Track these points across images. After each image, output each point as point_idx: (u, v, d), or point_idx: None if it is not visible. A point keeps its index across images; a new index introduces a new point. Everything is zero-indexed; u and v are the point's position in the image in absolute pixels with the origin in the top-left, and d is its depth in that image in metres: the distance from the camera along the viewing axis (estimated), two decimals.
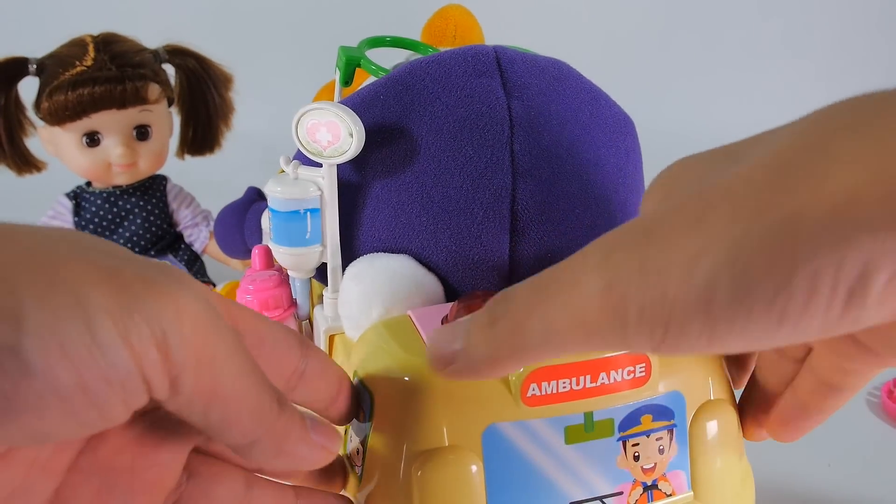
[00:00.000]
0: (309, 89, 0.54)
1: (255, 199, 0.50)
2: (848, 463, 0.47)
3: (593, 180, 0.32)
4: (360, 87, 0.36)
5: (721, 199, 0.18)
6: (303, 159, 0.34)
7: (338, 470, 0.29)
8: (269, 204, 0.33)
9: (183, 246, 0.67)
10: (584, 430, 0.27)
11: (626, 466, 0.28)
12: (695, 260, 0.18)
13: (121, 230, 0.64)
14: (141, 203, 0.64)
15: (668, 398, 0.28)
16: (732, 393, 0.30)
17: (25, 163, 0.62)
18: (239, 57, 0.66)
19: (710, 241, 0.18)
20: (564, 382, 0.26)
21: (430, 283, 0.32)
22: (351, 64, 0.39)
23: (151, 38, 0.63)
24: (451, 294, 0.33)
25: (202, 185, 0.69)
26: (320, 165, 0.33)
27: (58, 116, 0.58)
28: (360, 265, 0.33)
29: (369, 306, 0.31)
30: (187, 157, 0.67)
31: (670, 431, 0.28)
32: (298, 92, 0.65)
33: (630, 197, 0.34)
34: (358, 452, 0.29)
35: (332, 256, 0.34)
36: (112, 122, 0.59)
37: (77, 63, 0.57)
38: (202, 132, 0.66)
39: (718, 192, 0.19)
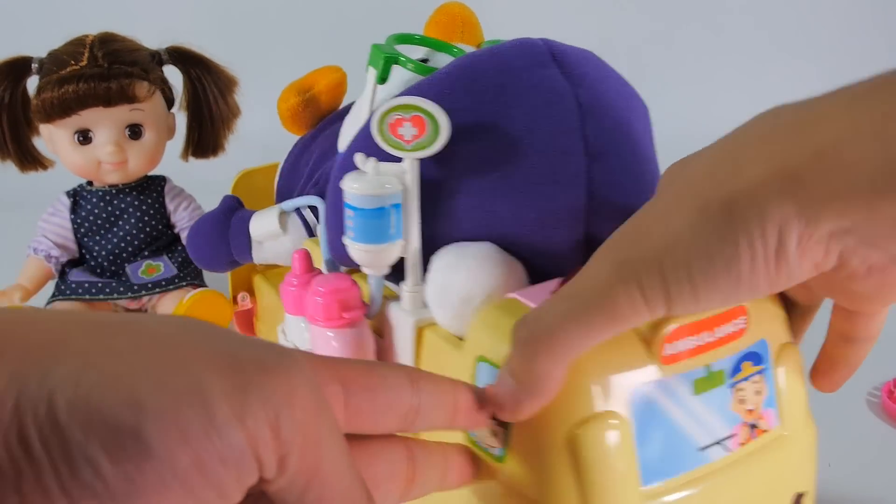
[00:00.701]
0: None
1: (235, 207, 0.49)
2: (848, 463, 0.46)
3: (643, 161, 0.35)
4: (416, 82, 0.37)
5: (683, 192, 0.26)
6: (369, 152, 0.35)
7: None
8: (348, 202, 0.34)
9: (179, 248, 0.67)
10: (706, 381, 0.31)
11: (736, 410, 0.32)
12: (672, 247, 0.25)
13: (115, 229, 0.64)
14: (136, 203, 0.65)
15: (758, 345, 0.32)
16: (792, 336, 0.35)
17: (30, 160, 0.62)
18: (239, 57, 0.67)
19: (679, 230, 0.25)
20: (692, 339, 0.30)
21: (518, 267, 0.34)
22: (390, 62, 0.39)
23: (157, 38, 0.64)
24: (533, 278, 0.35)
25: (203, 186, 0.69)
26: (396, 160, 0.34)
27: (46, 113, 0.59)
28: (450, 255, 0.34)
29: (470, 294, 0.33)
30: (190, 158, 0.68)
31: (762, 375, 0.33)
32: None
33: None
34: (495, 434, 0.31)
35: (414, 251, 0.35)
36: (103, 120, 0.60)
37: (72, 62, 0.58)
38: (205, 135, 0.66)
39: (682, 188, 0.26)
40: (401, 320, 0.36)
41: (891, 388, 0.54)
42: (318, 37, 1.14)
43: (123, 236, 0.64)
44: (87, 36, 0.61)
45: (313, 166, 0.50)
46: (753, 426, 0.32)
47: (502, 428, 0.30)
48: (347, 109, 0.54)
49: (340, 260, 0.40)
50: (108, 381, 0.19)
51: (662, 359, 0.29)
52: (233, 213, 0.48)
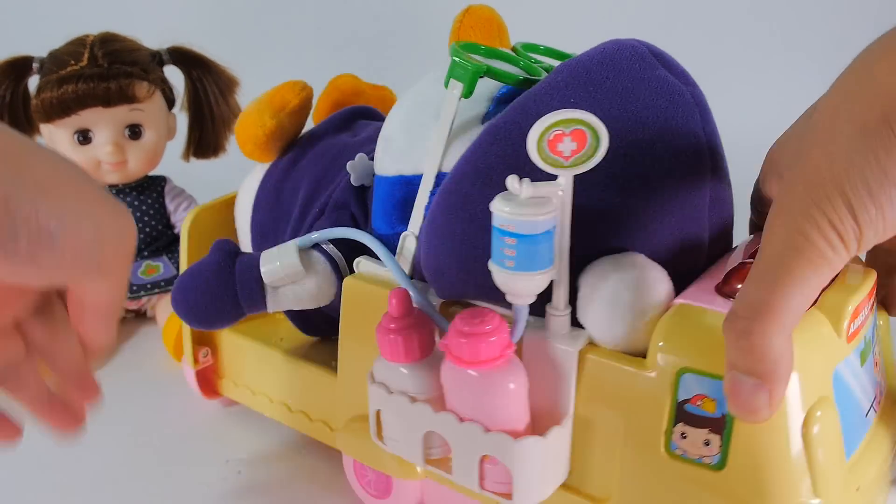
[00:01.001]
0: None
1: (235, 251, 0.42)
2: None
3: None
4: (521, 94, 0.35)
5: (831, 125, 0.28)
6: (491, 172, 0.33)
7: None
8: (510, 230, 0.31)
9: (179, 248, 0.62)
10: (865, 351, 0.33)
11: (876, 373, 0.35)
12: (845, 173, 0.27)
13: None
14: (136, 203, 0.64)
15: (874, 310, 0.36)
16: None
17: None
18: (240, 57, 0.67)
19: (846, 157, 0.27)
20: (861, 314, 0.32)
21: (663, 273, 0.33)
22: (478, 75, 0.36)
23: (158, 38, 0.63)
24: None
25: (203, 186, 0.67)
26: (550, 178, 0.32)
27: (46, 113, 0.58)
28: (610, 268, 0.33)
29: (644, 306, 0.32)
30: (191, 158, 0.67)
31: (875, 335, 0.36)
32: None
33: None
34: (707, 444, 0.30)
35: (564, 271, 0.32)
36: (102, 120, 0.60)
37: (72, 62, 0.58)
38: (206, 136, 0.66)
39: (827, 121, 0.28)
40: (554, 347, 0.33)
41: None
42: (319, 37, 1.12)
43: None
44: (87, 36, 0.61)
45: (310, 195, 0.45)
46: (879, 382, 0.35)
47: (717, 435, 0.30)
48: (333, 127, 0.49)
49: (446, 291, 0.36)
50: None
51: (847, 337, 0.31)
52: (234, 261, 0.42)
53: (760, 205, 0.40)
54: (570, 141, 0.30)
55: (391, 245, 0.40)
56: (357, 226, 0.43)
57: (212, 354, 0.52)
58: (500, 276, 0.32)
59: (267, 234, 0.47)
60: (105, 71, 0.58)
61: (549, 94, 0.34)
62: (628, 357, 0.32)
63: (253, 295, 0.41)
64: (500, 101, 0.38)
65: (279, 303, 0.42)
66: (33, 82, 0.61)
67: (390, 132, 0.40)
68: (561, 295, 0.33)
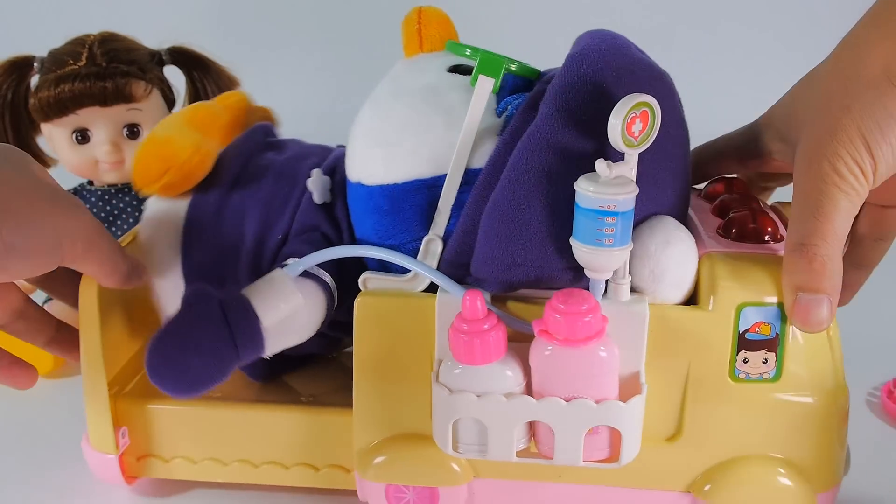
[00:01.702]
0: (310, 90, 0.54)
1: (220, 296, 0.36)
2: None
3: None
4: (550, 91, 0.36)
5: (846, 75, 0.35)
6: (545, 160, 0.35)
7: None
8: (611, 209, 0.33)
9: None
10: None
11: None
12: (862, 117, 0.34)
13: (113, 229, 0.64)
14: (135, 202, 0.64)
15: None
16: None
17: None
18: (240, 57, 0.67)
19: (861, 106, 0.34)
20: None
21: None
22: (505, 69, 0.38)
23: (158, 38, 0.64)
24: None
25: None
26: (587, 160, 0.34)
27: (44, 112, 0.59)
28: (660, 233, 0.36)
29: (696, 262, 0.37)
30: None
31: None
32: (298, 93, 0.74)
33: None
34: (765, 362, 0.36)
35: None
36: (100, 120, 0.60)
37: (70, 61, 0.59)
38: None
39: (842, 75, 0.36)
40: (628, 312, 0.36)
41: (890, 388, 0.54)
42: (319, 37, 1.10)
43: (122, 236, 0.54)
44: (87, 36, 0.61)
45: (263, 221, 0.41)
46: None
47: (773, 353, 0.36)
48: (255, 146, 0.45)
49: (504, 285, 0.36)
50: None
51: None
52: (221, 308, 0.36)
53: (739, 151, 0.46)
54: (639, 122, 0.33)
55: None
56: (332, 245, 0.41)
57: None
58: (595, 254, 0.34)
59: (210, 275, 0.42)
60: (102, 70, 0.58)
61: (568, 84, 0.36)
62: (689, 306, 0.37)
63: (254, 342, 0.36)
64: (511, 91, 0.39)
65: (275, 345, 0.38)
66: (35, 82, 0.61)
67: (389, 138, 0.39)
68: (623, 266, 0.36)
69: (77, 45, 0.60)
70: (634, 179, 0.34)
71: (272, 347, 0.38)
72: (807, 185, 0.35)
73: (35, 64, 0.61)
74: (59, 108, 0.58)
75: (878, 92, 0.34)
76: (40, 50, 0.62)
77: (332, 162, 0.44)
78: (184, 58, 0.64)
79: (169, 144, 0.40)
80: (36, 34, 0.67)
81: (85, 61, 0.59)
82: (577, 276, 0.37)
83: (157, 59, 0.63)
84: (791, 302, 0.35)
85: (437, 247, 0.38)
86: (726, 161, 0.47)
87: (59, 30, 0.62)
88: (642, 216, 0.37)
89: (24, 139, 0.62)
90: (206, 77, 0.64)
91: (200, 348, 0.35)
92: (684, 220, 0.39)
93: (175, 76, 0.65)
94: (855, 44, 0.36)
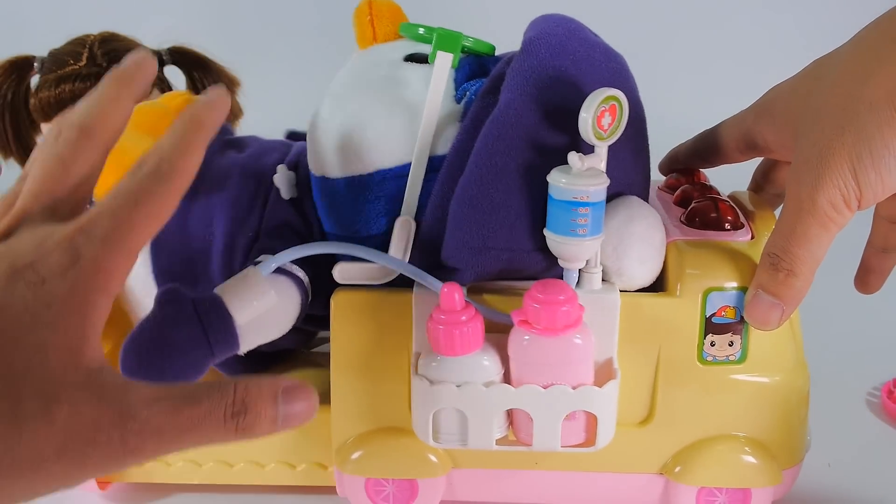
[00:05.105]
0: (309, 90, 0.52)
1: (191, 296, 0.35)
2: (848, 463, 0.47)
3: None
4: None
5: (843, 103, 0.34)
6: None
7: None
8: (584, 200, 0.34)
9: None
10: None
11: None
12: (854, 144, 0.33)
13: None
14: None
15: None
16: None
17: None
18: (240, 57, 0.66)
19: (855, 131, 0.33)
20: None
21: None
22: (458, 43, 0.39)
23: (159, 38, 0.63)
24: None
25: None
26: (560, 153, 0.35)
27: (44, 112, 0.59)
28: (623, 212, 0.37)
29: (662, 240, 0.37)
30: None
31: None
32: (298, 93, 0.68)
33: None
34: (731, 344, 0.38)
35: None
36: None
37: (70, 61, 0.59)
38: None
39: (839, 99, 0.34)
40: (600, 300, 0.37)
41: (890, 388, 0.54)
42: (319, 37, 1.07)
43: None
44: (88, 36, 0.62)
45: (233, 220, 0.41)
46: None
47: (738, 335, 0.38)
48: (214, 145, 0.45)
49: (475, 274, 0.37)
50: None
51: None
52: (193, 306, 0.36)
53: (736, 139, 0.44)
54: (608, 115, 0.35)
55: (378, 248, 0.39)
56: (304, 240, 0.41)
57: None
58: (569, 244, 0.35)
59: (182, 276, 0.41)
60: (103, 70, 0.57)
61: (530, 72, 0.36)
62: (656, 293, 0.38)
63: (229, 342, 0.36)
64: (467, 77, 0.40)
65: (250, 342, 0.38)
66: (35, 82, 0.61)
67: (349, 130, 0.39)
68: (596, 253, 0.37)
69: (77, 46, 0.60)
70: (605, 171, 0.36)
71: (247, 345, 0.37)
72: (789, 203, 0.35)
73: (35, 64, 0.61)
74: (59, 108, 0.58)
75: (878, 118, 0.32)
76: (40, 50, 0.62)
77: (295, 157, 0.44)
78: (184, 58, 0.64)
79: (121, 153, 0.40)
80: (36, 34, 0.67)
81: (85, 61, 0.59)
82: (546, 257, 0.37)
83: (158, 60, 0.61)
84: (751, 296, 0.37)
85: (411, 226, 0.39)
86: (729, 151, 0.45)
87: (59, 30, 0.62)
88: (607, 197, 0.38)
89: (24, 139, 0.62)
90: (206, 77, 0.64)
91: (175, 348, 0.35)
92: (646, 197, 0.40)
93: (175, 76, 0.64)
94: (866, 57, 0.34)
